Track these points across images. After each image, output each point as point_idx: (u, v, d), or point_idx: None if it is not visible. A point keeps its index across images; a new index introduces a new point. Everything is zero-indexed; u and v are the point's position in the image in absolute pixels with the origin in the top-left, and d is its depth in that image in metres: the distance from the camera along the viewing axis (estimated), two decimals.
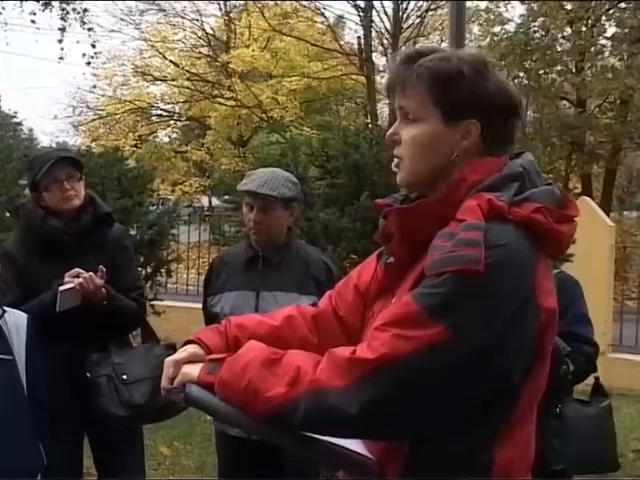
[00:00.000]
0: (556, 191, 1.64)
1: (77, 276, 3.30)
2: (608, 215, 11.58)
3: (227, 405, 1.59)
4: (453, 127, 1.66)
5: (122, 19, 25.98)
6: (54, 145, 20.80)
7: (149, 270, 7.46)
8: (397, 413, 1.50)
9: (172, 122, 28.90)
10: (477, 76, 1.66)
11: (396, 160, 1.73)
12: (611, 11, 18.91)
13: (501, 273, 1.49)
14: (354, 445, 1.58)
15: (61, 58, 18.77)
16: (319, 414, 1.50)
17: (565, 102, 21.50)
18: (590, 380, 3.54)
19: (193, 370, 1.67)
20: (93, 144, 17.98)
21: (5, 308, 2.93)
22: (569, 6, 19.04)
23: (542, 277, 1.56)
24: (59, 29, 17.83)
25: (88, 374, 3.40)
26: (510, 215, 1.55)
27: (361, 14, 23.38)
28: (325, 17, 25.21)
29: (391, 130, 1.74)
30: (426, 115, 1.67)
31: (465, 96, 1.65)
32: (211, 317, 3.43)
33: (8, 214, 7.09)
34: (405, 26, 24.09)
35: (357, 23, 24.34)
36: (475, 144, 1.66)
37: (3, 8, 16.72)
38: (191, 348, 1.76)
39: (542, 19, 19.42)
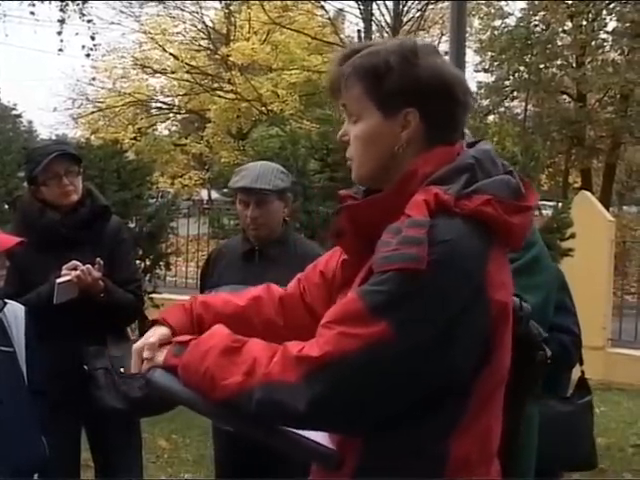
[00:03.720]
0: (512, 180, 1.61)
1: (74, 269, 3.29)
2: (608, 210, 11.60)
3: (189, 390, 1.59)
4: (391, 119, 1.65)
5: (122, 11, 25.96)
6: (53, 138, 20.79)
7: (148, 263, 7.44)
8: (343, 410, 1.51)
9: (172, 115, 28.90)
10: (406, 65, 1.63)
11: (349, 161, 1.73)
12: (612, 5, 18.93)
13: (445, 270, 1.48)
14: (317, 435, 1.60)
15: (60, 50, 18.78)
16: (270, 407, 1.51)
17: (565, 96, 21.51)
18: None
19: (161, 355, 1.68)
20: (92, 137, 17.97)
21: (5, 300, 2.93)
22: (570, 0, 19.01)
23: (494, 270, 1.55)
24: (58, 21, 17.83)
25: (85, 367, 3.40)
26: (457, 209, 1.53)
27: (361, 7, 23.35)
28: (325, 10, 25.22)
29: (341, 131, 1.74)
30: (364, 111, 1.67)
31: (396, 87, 1.63)
32: None
33: (7, 206, 7.08)
34: (405, 19, 24.04)
35: (357, 16, 24.32)
36: (417, 133, 1.64)
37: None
38: (159, 330, 1.76)
39: (543, 13, 19.44)
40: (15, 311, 2.97)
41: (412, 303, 1.48)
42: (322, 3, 24.84)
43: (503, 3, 20.81)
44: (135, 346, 1.73)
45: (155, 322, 1.80)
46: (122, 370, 3.38)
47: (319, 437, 1.60)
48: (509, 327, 1.63)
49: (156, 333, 1.75)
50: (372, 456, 1.58)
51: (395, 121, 1.65)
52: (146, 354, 1.69)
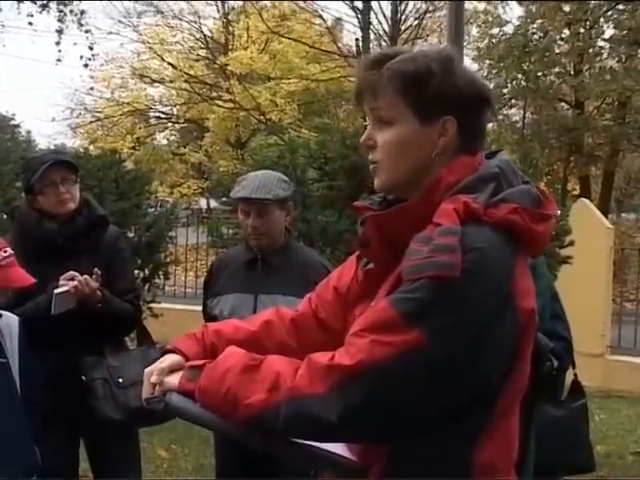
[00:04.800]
0: (532, 190, 1.63)
1: (72, 279, 3.29)
2: (606, 217, 11.60)
3: (208, 412, 1.58)
4: (429, 126, 1.65)
5: (120, 21, 26.04)
6: (52, 147, 20.76)
7: (147, 272, 7.43)
8: (376, 419, 1.50)
9: (170, 124, 28.93)
10: (446, 72, 1.65)
11: (372, 165, 1.72)
12: (609, 13, 18.94)
13: (477, 277, 1.49)
14: (336, 447, 1.58)
15: (59, 60, 18.74)
16: (299, 421, 1.50)
17: (563, 104, 21.53)
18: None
19: (173, 378, 1.67)
20: (91, 146, 17.99)
21: (0, 312, 2.93)
22: (567, 8, 19.06)
23: (520, 278, 1.56)
24: (56, 31, 17.79)
25: (83, 377, 3.39)
26: (486, 217, 1.54)
27: (359, 16, 23.41)
28: (323, 19, 25.26)
29: (365, 135, 1.73)
30: (400, 117, 1.66)
31: (436, 94, 1.63)
32: (210, 319, 3.41)
33: (5, 216, 7.07)
34: (403, 28, 24.11)
35: (355, 25, 24.37)
36: (453, 140, 1.65)
37: (0, 10, 16.70)
38: (171, 357, 1.76)
39: (540, 21, 19.45)
40: (9, 321, 2.97)
41: (445, 311, 1.48)
42: (320, 12, 24.92)
43: (501, 11, 20.86)
44: (146, 371, 1.73)
45: (167, 351, 1.80)
46: (120, 380, 3.37)
47: (338, 449, 1.59)
48: (534, 336, 1.64)
49: (167, 359, 1.75)
50: (397, 464, 1.58)
51: (433, 128, 1.65)
52: (154, 379, 1.69)
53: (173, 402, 1.62)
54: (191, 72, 25.59)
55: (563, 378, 3.48)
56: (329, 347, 1.61)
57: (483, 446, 1.57)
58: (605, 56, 19.58)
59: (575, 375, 3.49)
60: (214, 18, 27.66)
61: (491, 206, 1.56)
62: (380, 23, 23.69)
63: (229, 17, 27.10)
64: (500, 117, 20.88)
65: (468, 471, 1.56)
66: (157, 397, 1.67)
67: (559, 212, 6.96)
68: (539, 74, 19.46)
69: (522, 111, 22.13)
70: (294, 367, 1.55)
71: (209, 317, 3.50)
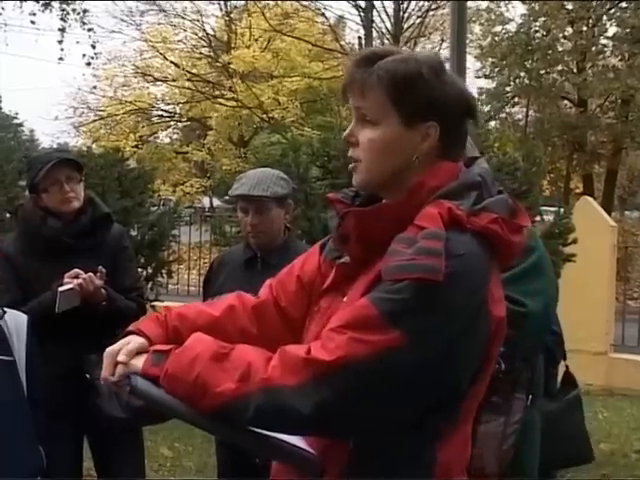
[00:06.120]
0: (509, 200, 1.65)
1: (76, 277, 3.29)
2: (610, 215, 11.56)
3: (173, 398, 1.57)
4: (413, 129, 1.65)
5: (122, 20, 26.05)
6: (55, 146, 20.81)
7: (150, 271, 7.43)
8: (348, 414, 1.51)
9: (173, 123, 28.93)
10: (435, 78, 1.65)
11: (353, 162, 1.72)
12: (612, 11, 18.94)
13: (458, 283, 1.51)
14: (295, 440, 1.59)
15: (61, 59, 18.81)
16: (271, 412, 1.50)
17: (566, 102, 21.52)
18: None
19: (138, 361, 1.64)
20: (94, 145, 17.98)
21: (5, 309, 2.93)
22: (570, 6, 19.06)
23: (494, 286, 1.60)
24: (59, 30, 17.87)
25: (87, 375, 3.39)
26: (469, 224, 1.56)
27: (362, 14, 23.39)
28: (326, 17, 25.26)
29: (347, 131, 1.73)
30: (385, 117, 1.66)
31: (424, 98, 1.64)
32: None
33: (8, 215, 7.08)
34: (406, 26, 24.10)
35: (358, 23, 24.37)
36: (434, 146, 1.66)
37: (3, 9, 16.75)
38: (135, 338, 1.71)
39: (543, 19, 19.45)
40: (17, 320, 2.95)
41: (427, 313, 1.49)
42: (323, 10, 24.91)
43: (504, 9, 20.84)
44: (109, 349, 1.69)
45: (129, 332, 1.76)
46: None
47: (298, 441, 1.60)
48: (501, 343, 1.66)
49: (133, 340, 1.71)
50: (359, 461, 1.59)
51: (416, 132, 1.65)
52: (122, 358, 1.65)
53: (139, 385, 1.60)
54: (194, 70, 25.61)
55: (556, 372, 3.48)
56: (288, 335, 1.66)
57: (445, 447, 1.60)
58: (608, 54, 19.58)
59: (567, 367, 3.49)
60: (217, 16, 27.70)
61: (473, 214, 1.58)
62: (383, 21, 23.70)
63: (232, 15, 27.09)
64: (503, 115, 20.90)
65: (430, 471, 1.59)
66: (120, 380, 1.64)
67: (562, 210, 6.96)
68: (542, 72, 19.47)
69: (525, 109, 22.14)
70: (265, 357, 1.55)
71: None
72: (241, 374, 1.52)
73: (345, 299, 1.69)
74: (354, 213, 1.68)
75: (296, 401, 1.48)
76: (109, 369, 1.67)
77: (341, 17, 26.09)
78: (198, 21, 26.51)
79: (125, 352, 1.67)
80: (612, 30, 19.36)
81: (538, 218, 6.56)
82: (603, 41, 19.47)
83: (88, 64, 19.73)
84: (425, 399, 1.54)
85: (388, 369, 1.48)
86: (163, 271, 7.61)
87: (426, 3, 23.87)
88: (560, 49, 19.66)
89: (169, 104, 27.78)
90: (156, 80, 26.62)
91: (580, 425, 3.42)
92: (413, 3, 23.73)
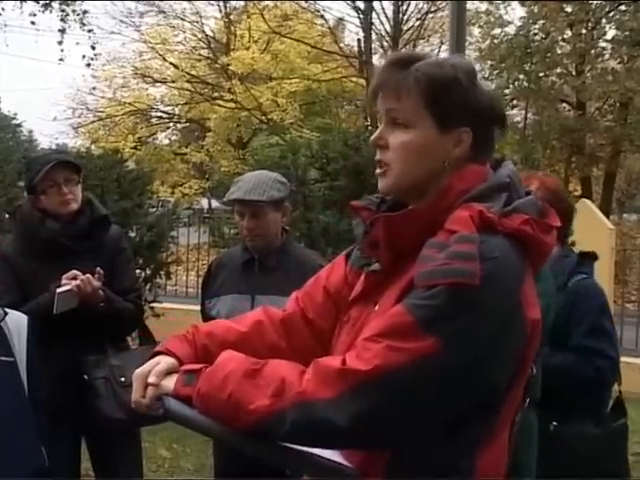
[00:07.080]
0: (538, 201, 1.64)
1: (74, 278, 3.29)
2: (608, 218, 11.60)
3: (207, 418, 1.55)
4: (446, 134, 1.64)
5: (122, 21, 26.04)
6: (54, 147, 20.78)
7: (148, 272, 7.45)
8: (386, 424, 1.48)
9: (172, 124, 28.91)
10: (470, 84, 1.65)
11: (381, 166, 1.69)
12: (611, 14, 18.93)
13: (493, 286, 1.48)
14: (331, 454, 1.56)
15: (61, 60, 18.75)
16: (307, 426, 1.48)
17: (565, 105, 21.51)
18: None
19: (169, 382, 1.62)
20: (93, 146, 17.99)
21: (6, 310, 2.93)
22: (569, 8, 19.05)
23: (528, 288, 1.57)
24: (59, 30, 17.80)
25: (85, 376, 3.39)
26: (500, 227, 1.54)
27: (361, 16, 23.42)
28: (325, 19, 25.27)
29: (376, 134, 1.70)
30: (419, 121, 1.64)
31: (459, 104, 1.63)
32: (208, 320, 3.41)
33: (7, 216, 7.09)
34: (405, 28, 24.14)
35: (357, 25, 24.41)
36: (465, 152, 1.65)
37: (3, 9, 16.68)
38: (165, 359, 1.69)
39: (542, 21, 19.42)
40: (18, 321, 2.96)
41: (462, 319, 1.47)
42: (322, 12, 24.93)
43: (503, 12, 20.84)
44: (138, 371, 1.67)
45: (158, 352, 1.74)
46: (122, 379, 3.37)
47: (335, 456, 1.57)
48: (537, 346, 1.64)
49: (163, 361, 1.68)
50: (398, 471, 1.56)
51: (449, 137, 1.64)
52: (153, 379, 1.64)
53: (172, 407, 1.58)
54: (193, 72, 25.60)
55: (608, 397, 3.44)
56: (317, 347, 1.61)
57: (484, 455, 1.57)
58: (607, 57, 19.55)
59: (620, 393, 3.44)
60: (216, 18, 27.71)
61: (504, 216, 1.56)
62: (382, 23, 23.75)
63: (231, 17, 27.09)
64: None
65: (469, 479, 1.56)
66: (153, 403, 1.61)
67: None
68: (541, 75, 19.45)
69: (524, 112, 22.12)
70: (298, 371, 1.53)
71: (207, 318, 3.49)
72: (274, 389, 1.50)
73: (376, 308, 1.66)
74: (384, 219, 1.65)
75: (332, 414, 1.45)
76: (140, 391, 1.66)
77: (340, 19, 26.13)
78: (197, 22, 26.54)
79: (155, 373, 1.65)
80: (611, 33, 19.36)
81: None
82: (602, 44, 19.46)
83: (88, 65, 19.63)
84: (463, 406, 1.51)
85: (425, 377, 1.46)
86: (162, 272, 7.63)
87: (425, 5, 23.95)
88: (559, 52, 19.65)
89: (168, 105, 27.78)
90: (155, 81, 26.60)
91: (622, 456, 3.33)
92: (412, 5, 23.83)
